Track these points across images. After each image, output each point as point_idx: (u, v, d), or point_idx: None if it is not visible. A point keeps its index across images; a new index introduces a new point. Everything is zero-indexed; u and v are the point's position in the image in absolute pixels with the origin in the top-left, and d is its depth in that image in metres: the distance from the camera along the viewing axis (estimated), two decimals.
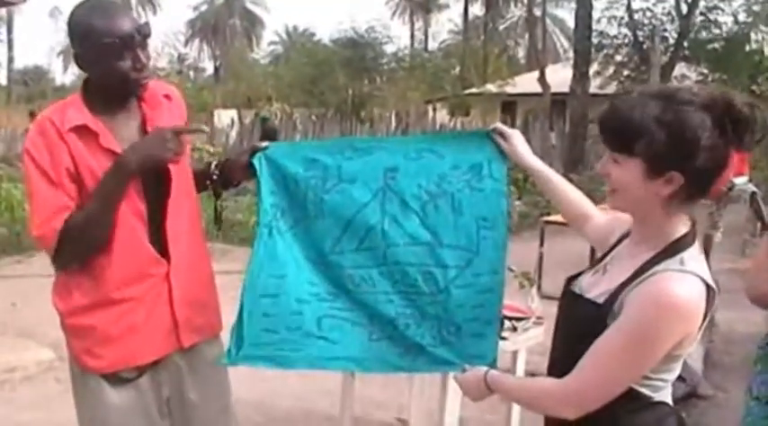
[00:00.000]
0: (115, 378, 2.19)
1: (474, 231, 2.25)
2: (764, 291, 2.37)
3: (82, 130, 2.08)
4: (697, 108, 1.58)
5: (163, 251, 2.19)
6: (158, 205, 2.17)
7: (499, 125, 2.28)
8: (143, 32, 2.08)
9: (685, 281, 1.60)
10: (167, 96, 2.29)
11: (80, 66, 2.13)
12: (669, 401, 1.75)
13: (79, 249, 2.09)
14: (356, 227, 2.27)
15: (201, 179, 2.37)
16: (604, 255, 1.88)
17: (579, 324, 1.75)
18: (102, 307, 2.14)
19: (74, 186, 2.08)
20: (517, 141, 2.22)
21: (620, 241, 1.86)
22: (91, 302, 2.15)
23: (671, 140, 1.58)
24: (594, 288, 1.78)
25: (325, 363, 2.29)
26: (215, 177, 2.37)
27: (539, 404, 1.81)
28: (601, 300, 1.70)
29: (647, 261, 1.66)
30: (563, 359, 1.82)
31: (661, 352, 1.61)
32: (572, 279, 1.90)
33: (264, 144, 2.33)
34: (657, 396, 1.70)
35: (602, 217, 2.08)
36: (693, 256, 1.66)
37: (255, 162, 2.28)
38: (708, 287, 1.62)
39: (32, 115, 18.69)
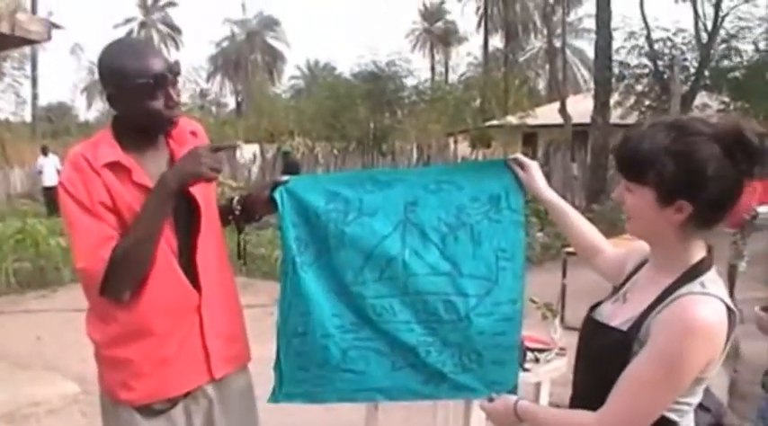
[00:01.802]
0: (148, 410, 2.21)
1: (493, 261, 2.28)
2: None
3: (115, 166, 2.11)
4: (707, 138, 1.61)
5: (193, 284, 2.21)
6: (188, 239, 2.21)
7: (518, 155, 2.33)
8: (174, 71, 2.13)
9: (709, 304, 1.62)
10: (193, 132, 2.34)
11: (112, 105, 2.16)
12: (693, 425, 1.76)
13: (129, 275, 2.09)
14: (377, 258, 2.31)
15: (224, 214, 2.40)
16: (622, 285, 1.90)
17: (603, 352, 1.76)
18: (137, 339, 2.16)
19: (113, 218, 2.09)
20: (535, 172, 2.27)
21: (635, 270, 1.88)
22: (126, 333, 2.16)
23: (678, 170, 1.61)
24: (616, 316, 1.79)
25: (352, 395, 2.34)
26: (237, 212, 2.41)
27: None
28: (625, 327, 1.72)
29: (668, 286, 1.69)
30: (586, 387, 1.83)
31: (691, 376, 1.62)
32: (593, 307, 1.92)
33: (285, 178, 2.37)
34: (683, 421, 1.71)
35: (612, 251, 2.11)
36: (712, 279, 1.68)
37: (277, 196, 2.32)
38: (729, 309, 1.64)
39: (44, 150, 18.92)
